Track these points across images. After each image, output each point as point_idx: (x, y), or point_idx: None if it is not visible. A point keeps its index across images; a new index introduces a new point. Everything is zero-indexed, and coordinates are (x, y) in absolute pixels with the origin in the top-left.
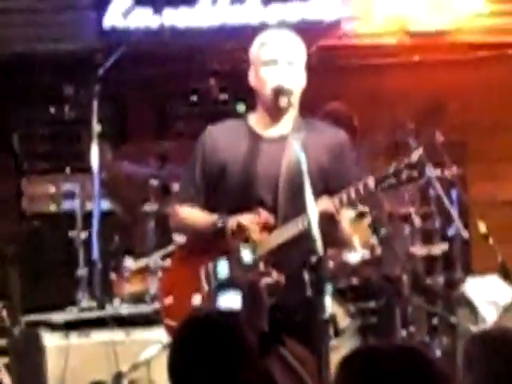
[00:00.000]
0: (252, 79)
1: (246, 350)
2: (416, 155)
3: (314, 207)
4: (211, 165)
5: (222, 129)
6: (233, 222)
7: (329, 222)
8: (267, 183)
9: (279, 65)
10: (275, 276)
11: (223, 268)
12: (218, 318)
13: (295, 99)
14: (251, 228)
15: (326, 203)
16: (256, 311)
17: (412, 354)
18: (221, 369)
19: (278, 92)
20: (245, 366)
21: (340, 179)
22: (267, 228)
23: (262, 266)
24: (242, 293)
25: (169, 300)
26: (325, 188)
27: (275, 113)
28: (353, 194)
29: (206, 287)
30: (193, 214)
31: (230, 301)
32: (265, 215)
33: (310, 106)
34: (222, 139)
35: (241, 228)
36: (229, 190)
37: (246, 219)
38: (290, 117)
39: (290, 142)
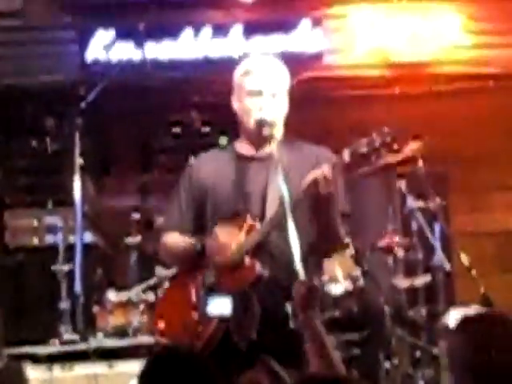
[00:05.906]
0: (235, 105)
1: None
2: (386, 129)
3: (297, 241)
4: (198, 190)
5: (206, 157)
6: (212, 241)
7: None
8: (255, 199)
9: (263, 96)
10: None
11: (210, 276)
12: (178, 350)
13: (278, 128)
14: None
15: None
16: (246, 320)
17: None
18: None
19: (261, 124)
20: None
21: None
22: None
23: (247, 259)
24: (233, 301)
25: (162, 324)
26: (310, 205)
27: (258, 140)
28: (329, 169)
29: (194, 298)
30: (174, 240)
31: (220, 306)
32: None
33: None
34: (207, 165)
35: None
36: (218, 210)
37: (224, 234)
38: (275, 140)
39: (275, 163)
